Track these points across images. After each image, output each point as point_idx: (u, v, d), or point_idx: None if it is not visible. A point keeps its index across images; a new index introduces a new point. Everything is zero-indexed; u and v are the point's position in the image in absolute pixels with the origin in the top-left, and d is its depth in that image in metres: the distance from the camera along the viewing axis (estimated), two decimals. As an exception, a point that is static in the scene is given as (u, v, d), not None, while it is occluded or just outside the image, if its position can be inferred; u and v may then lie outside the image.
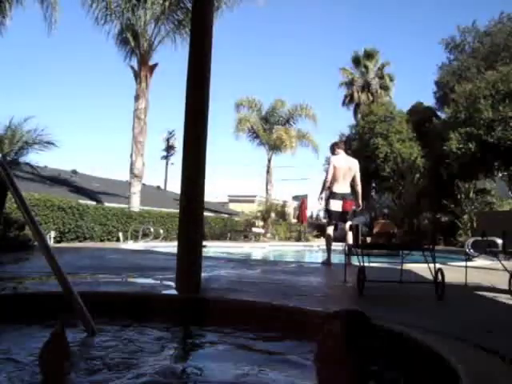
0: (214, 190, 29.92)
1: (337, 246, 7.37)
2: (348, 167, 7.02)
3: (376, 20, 57.32)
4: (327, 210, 7.10)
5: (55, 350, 1.77)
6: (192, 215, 4.02)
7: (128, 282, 4.53)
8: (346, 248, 6.44)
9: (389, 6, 53.41)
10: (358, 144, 19.80)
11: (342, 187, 6.94)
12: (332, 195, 6.98)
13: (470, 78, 20.45)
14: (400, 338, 2.27)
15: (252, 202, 28.04)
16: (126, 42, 15.67)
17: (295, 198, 35.34)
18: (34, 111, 58.68)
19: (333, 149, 7.28)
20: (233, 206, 31.61)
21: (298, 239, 19.82)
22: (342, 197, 6.91)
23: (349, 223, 7.00)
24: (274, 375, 1.99)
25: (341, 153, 7.19)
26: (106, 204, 15.53)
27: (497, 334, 2.68)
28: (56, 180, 18.19)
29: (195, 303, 3.14)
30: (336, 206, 6.90)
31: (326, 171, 7.23)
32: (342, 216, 6.98)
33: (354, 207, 7.17)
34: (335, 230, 7.23)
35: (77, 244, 11.37)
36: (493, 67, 19.00)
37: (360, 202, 7.33)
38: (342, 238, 7.21)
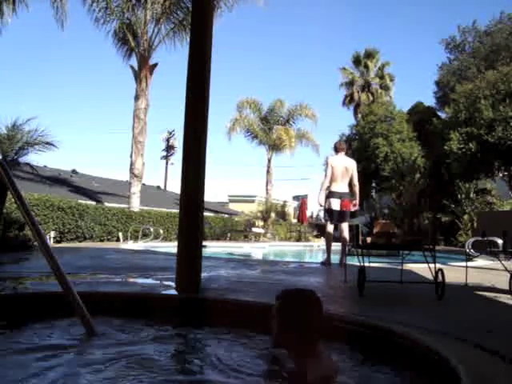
0: (214, 190, 29.89)
1: (336, 245, 7.37)
2: (345, 167, 7.08)
3: (376, 20, 57.48)
4: (327, 210, 7.13)
5: None
6: (192, 215, 4.02)
7: (128, 282, 4.52)
8: (347, 248, 6.47)
9: (389, 6, 53.50)
10: (357, 144, 19.78)
11: (340, 187, 7.03)
12: (331, 194, 7.06)
13: (470, 78, 20.45)
14: (400, 338, 2.27)
15: (252, 202, 28.02)
16: (125, 41, 15.66)
17: (295, 198, 35.36)
18: (33, 111, 58.83)
19: (335, 148, 7.32)
20: (233, 206, 31.59)
21: (298, 239, 19.82)
22: (340, 196, 6.99)
23: (346, 224, 7.05)
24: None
25: (341, 153, 7.24)
26: (106, 204, 15.53)
27: (497, 333, 2.68)
28: (56, 180, 18.19)
29: (195, 303, 3.14)
30: (335, 204, 6.96)
31: (325, 172, 7.29)
32: (341, 215, 7.01)
33: (352, 208, 7.19)
34: (335, 229, 7.26)
35: (77, 244, 11.36)
36: (493, 67, 19.00)
37: (357, 201, 7.36)
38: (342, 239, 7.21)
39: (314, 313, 1.93)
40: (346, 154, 7.62)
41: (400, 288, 4.36)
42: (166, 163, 46.42)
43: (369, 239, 4.50)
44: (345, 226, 7.05)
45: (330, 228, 7.11)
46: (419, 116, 19.80)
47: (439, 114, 21.31)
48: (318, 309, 1.95)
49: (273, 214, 21.75)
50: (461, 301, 4.05)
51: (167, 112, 70.33)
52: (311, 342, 1.90)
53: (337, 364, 2.07)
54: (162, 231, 13.06)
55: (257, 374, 1.98)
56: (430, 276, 4.24)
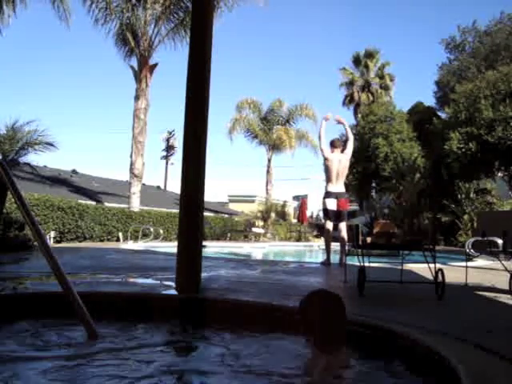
0: (214, 190, 29.90)
1: (336, 245, 7.37)
2: (340, 165, 7.18)
3: (376, 20, 57.51)
4: (324, 210, 7.23)
5: None
6: (192, 215, 4.02)
7: (128, 282, 4.52)
8: (346, 248, 6.47)
9: (389, 6, 53.51)
10: (358, 144, 19.71)
11: (336, 187, 7.12)
12: (327, 194, 7.15)
13: (470, 78, 20.44)
14: (400, 338, 2.27)
15: (252, 202, 28.03)
16: (125, 41, 15.65)
17: (295, 197, 35.38)
18: (33, 111, 58.97)
19: (332, 144, 7.34)
20: (233, 206, 31.59)
21: (298, 239, 19.82)
22: (336, 196, 7.05)
23: (344, 223, 7.08)
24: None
25: (336, 151, 7.27)
26: (106, 204, 15.53)
27: (497, 333, 2.68)
28: (56, 180, 18.19)
29: (195, 303, 3.14)
30: (331, 204, 7.03)
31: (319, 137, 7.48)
32: (338, 215, 7.06)
33: (349, 206, 7.26)
34: (334, 229, 7.28)
35: (77, 244, 11.36)
36: (493, 67, 18.99)
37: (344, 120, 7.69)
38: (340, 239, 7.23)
39: (331, 315, 1.97)
40: (342, 152, 7.64)
41: (400, 288, 4.36)
42: (166, 163, 46.45)
43: (369, 239, 4.49)
44: (343, 226, 7.07)
45: (329, 228, 7.14)
46: (419, 116, 19.79)
47: (439, 113, 21.29)
48: (335, 311, 1.99)
49: (273, 214, 21.75)
50: (461, 301, 4.05)
51: (167, 112, 70.42)
52: (329, 342, 1.94)
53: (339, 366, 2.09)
54: (161, 231, 13.06)
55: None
56: (430, 276, 4.24)
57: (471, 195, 15.42)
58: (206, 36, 4.08)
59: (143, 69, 15.44)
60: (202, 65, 4.03)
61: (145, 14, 15.36)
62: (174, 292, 3.81)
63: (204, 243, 6.96)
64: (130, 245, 11.21)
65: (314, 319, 1.99)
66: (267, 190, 24.42)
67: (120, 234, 13.26)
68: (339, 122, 7.64)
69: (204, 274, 4.40)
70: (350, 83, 31.93)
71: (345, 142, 7.53)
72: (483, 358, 2.10)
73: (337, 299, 2.05)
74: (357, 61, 32.16)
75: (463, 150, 15.01)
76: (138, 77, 15.52)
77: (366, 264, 4.22)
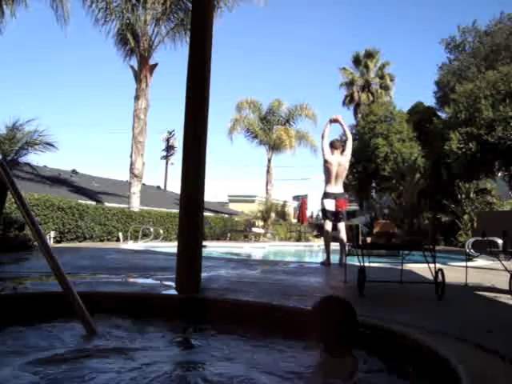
0: (214, 190, 29.89)
1: (336, 245, 7.37)
2: (339, 167, 7.21)
3: (376, 20, 57.50)
4: (322, 210, 7.28)
5: None
6: (192, 215, 4.02)
7: (128, 282, 4.52)
8: (346, 248, 6.47)
9: (389, 6, 53.51)
10: (358, 144, 19.74)
11: (335, 188, 7.16)
12: (325, 195, 7.20)
13: (470, 78, 20.44)
14: (400, 338, 2.27)
15: (252, 202, 28.02)
16: (125, 41, 15.66)
17: (295, 197, 35.38)
18: (33, 111, 58.96)
19: (332, 145, 7.33)
20: (233, 206, 31.58)
21: (298, 239, 19.81)
22: (335, 196, 7.09)
23: (343, 224, 7.10)
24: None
25: (336, 152, 7.27)
26: (106, 204, 15.53)
27: (497, 333, 2.68)
28: (56, 180, 18.19)
29: (195, 303, 3.13)
30: (329, 205, 7.06)
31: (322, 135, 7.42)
32: (336, 215, 7.08)
33: (348, 207, 7.28)
34: (333, 229, 7.29)
35: (77, 244, 11.36)
36: (493, 67, 19.00)
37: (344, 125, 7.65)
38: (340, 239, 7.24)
39: (331, 320, 2.01)
40: (341, 154, 7.64)
41: (400, 288, 4.36)
42: (166, 163, 46.45)
43: (369, 239, 4.49)
44: (342, 226, 7.09)
45: (328, 228, 7.15)
46: (419, 116, 19.78)
47: (439, 114, 21.29)
48: (336, 317, 2.03)
49: (273, 214, 21.75)
50: (461, 301, 4.05)
51: (167, 112, 70.47)
52: (330, 344, 1.97)
53: (349, 370, 2.11)
54: (161, 231, 13.06)
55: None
56: (430, 276, 4.24)
57: (471, 195, 15.42)
58: (206, 36, 4.08)
59: (143, 69, 15.44)
60: (202, 65, 4.03)
61: (145, 14, 15.36)
62: (174, 292, 3.81)
63: (204, 243, 6.97)
64: (130, 245, 11.21)
65: (315, 321, 2.02)
66: (267, 190, 24.42)
67: (120, 234, 13.26)
68: (336, 121, 7.57)
69: (204, 274, 4.40)
70: (350, 83, 31.91)
71: (344, 143, 7.54)
72: (483, 358, 2.10)
73: (339, 302, 2.08)
74: (357, 61, 32.15)
75: (463, 149, 15.01)
76: (138, 77, 15.52)
77: (366, 264, 4.22)
